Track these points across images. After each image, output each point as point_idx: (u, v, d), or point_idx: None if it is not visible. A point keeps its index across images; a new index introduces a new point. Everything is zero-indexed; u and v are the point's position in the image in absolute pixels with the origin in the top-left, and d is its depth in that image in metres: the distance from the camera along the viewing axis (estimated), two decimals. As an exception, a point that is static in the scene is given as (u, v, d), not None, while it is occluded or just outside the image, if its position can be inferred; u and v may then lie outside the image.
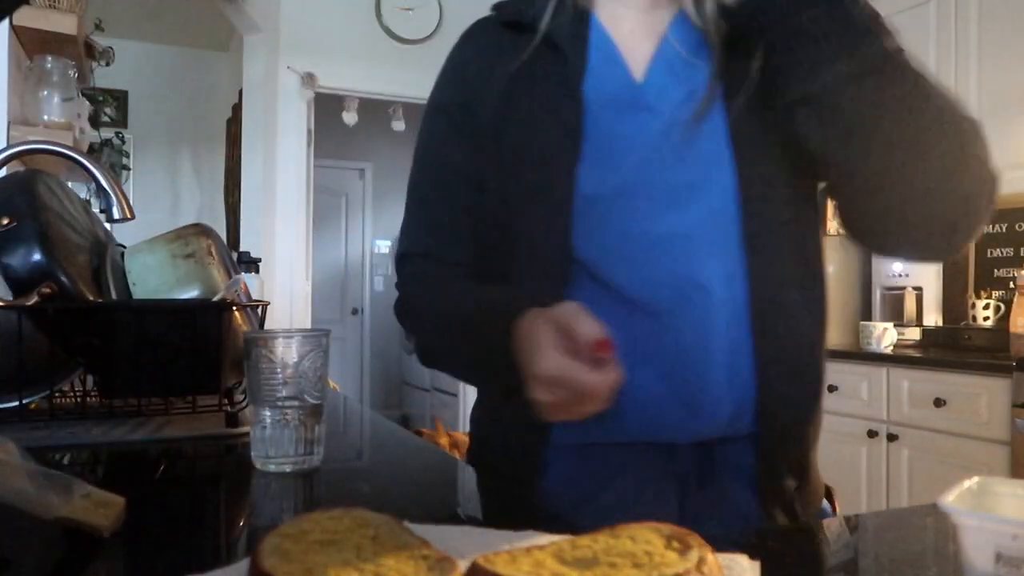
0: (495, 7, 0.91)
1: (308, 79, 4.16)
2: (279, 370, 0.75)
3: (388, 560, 0.44)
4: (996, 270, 3.02)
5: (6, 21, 1.92)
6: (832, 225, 3.05)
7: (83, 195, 2.89)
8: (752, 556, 0.48)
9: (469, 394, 4.64)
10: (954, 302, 3.11)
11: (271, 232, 4.10)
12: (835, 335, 3.12)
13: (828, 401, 2.92)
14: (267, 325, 1.21)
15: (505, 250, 0.82)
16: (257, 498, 0.74)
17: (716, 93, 0.78)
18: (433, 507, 0.74)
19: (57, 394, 1.08)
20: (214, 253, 1.12)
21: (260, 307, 1.18)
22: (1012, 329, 2.64)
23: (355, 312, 7.05)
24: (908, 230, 0.75)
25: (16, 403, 0.96)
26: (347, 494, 0.77)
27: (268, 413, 0.76)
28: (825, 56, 0.69)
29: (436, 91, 0.90)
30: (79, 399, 1.08)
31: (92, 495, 0.55)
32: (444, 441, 2.77)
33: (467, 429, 0.96)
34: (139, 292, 1.06)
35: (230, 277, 1.11)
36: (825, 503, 0.89)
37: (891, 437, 2.68)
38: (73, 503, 0.53)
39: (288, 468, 0.77)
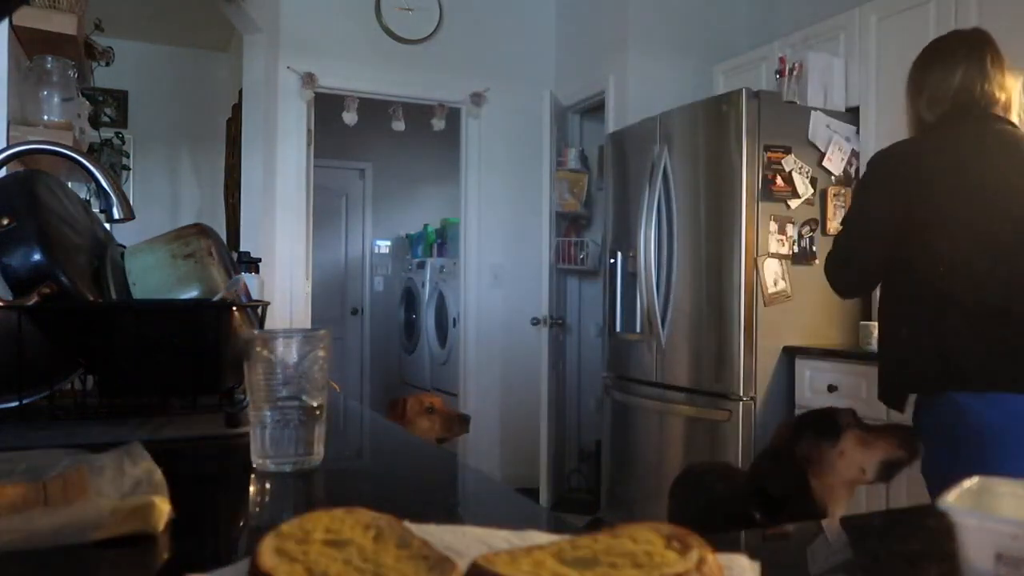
0: None
1: (308, 79, 4.16)
2: (279, 370, 0.75)
3: (388, 560, 0.44)
4: (996, 270, 3.02)
5: (6, 21, 1.92)
6: (832, 225, 3.05)
7: (83, 195, 2.89)
8: (752, 556, 0.48)
9: (469, 393, 4.64)
10: (954, 302, 3.11)
11: (271, 232, 4.09)
12: (835, 335, 3.12)
13: (827, 401, 2.91)
14: (267, 325, 1.21)
15: None
16: (257, 498, 0.74)
17: None
18: (433, 507, 0.74)
19: (57, 394, 1.08)
20: (214, 253, 1.12)
21: (260, 307, 1.18)
22: (1012, 329, 2.64)
23: (355, 312, 7.05)
24: None
25: (16, 403, 0.96)
26: (347, 494, 0.77)
27: (268, 413, 0.76)
28: None
29: None
30: (79, 399, 1.08)
31: (117, 510, 0.55)
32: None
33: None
34: (139, 292, 1.06)
35: (230, 277, 1.11)
36: None
37: (891, 437, 2.67)
38: (103, 524, 0.53)
39: (288, 468, 0.77)
